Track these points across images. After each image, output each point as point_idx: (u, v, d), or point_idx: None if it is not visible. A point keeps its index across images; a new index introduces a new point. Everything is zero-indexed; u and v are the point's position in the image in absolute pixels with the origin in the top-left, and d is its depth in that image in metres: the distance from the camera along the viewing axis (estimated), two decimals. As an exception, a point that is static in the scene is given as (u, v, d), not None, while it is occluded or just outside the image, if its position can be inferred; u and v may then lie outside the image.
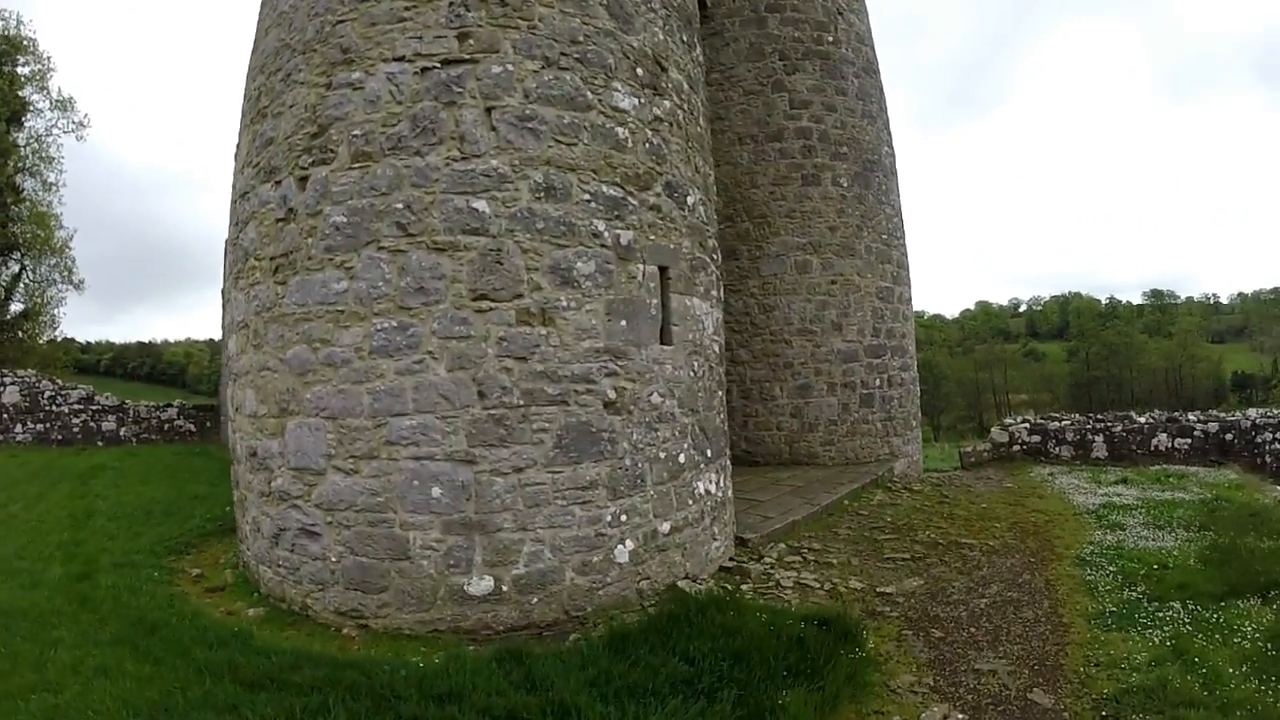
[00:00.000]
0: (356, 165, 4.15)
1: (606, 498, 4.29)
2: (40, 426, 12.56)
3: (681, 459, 4.83)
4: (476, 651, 3.68)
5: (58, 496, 7.55)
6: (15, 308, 20.49)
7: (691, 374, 5.02)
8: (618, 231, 4.48)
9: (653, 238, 4.79)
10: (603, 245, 4.39)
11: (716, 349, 5.53)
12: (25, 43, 20.20)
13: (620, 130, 4.58)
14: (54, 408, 12.69)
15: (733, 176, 9.75)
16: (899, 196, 10.82)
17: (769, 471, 9.09)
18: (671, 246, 4.95)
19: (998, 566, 5.14)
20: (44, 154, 20.67)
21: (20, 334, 20.28)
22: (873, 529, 6.49)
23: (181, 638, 3.62)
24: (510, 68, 4.12)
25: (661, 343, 4.76)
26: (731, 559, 5.45)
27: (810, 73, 9.59)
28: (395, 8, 4.12)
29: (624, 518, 4.36)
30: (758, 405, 9.72)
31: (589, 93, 4.40)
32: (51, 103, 21.01)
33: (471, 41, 4.11)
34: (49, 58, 20.72)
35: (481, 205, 4.11)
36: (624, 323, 4.46)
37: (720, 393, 5.60)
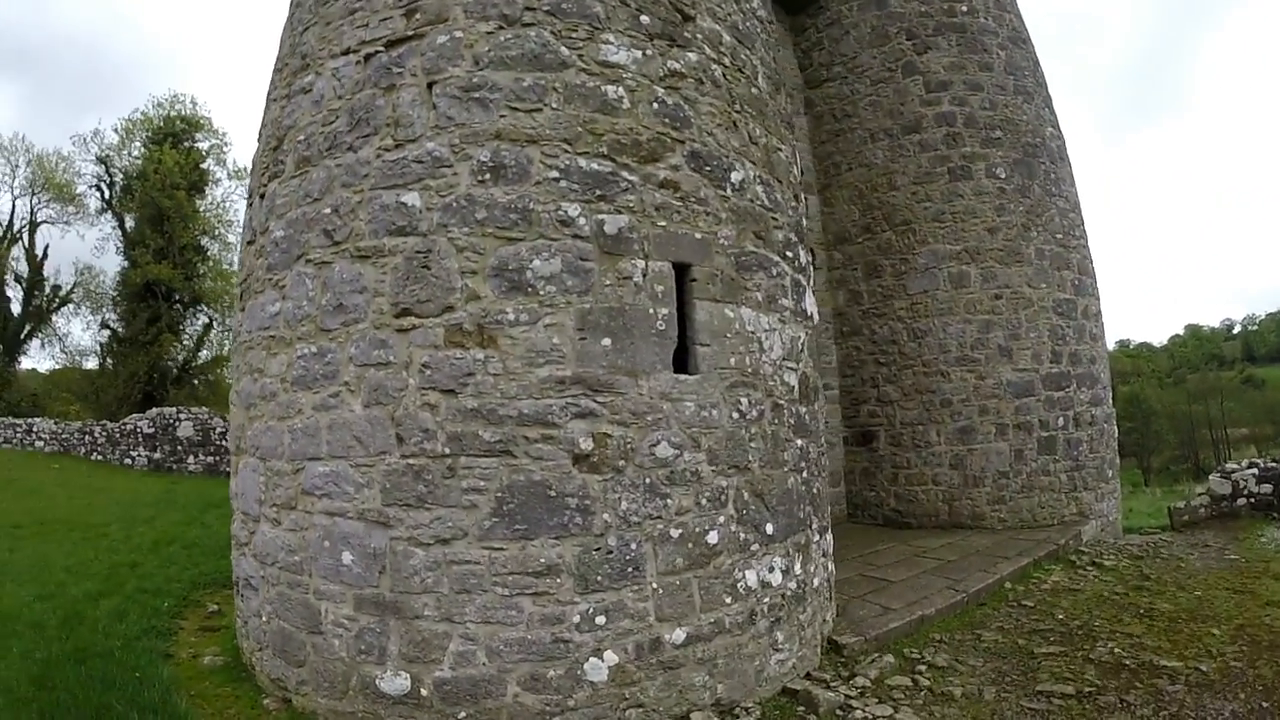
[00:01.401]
0: (297, 173, 3.72)
1: (573, 590, 3.05)
2: (210, 459, 14.64)
3: (713, 539, 3.38)
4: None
5: (163, 522, 8.26)
6: (205, 355, 24.73)
7: (736, 415, 3.56)
8: (601, 217, 3.33)
9: (663, 224, 3.50)
10: (575, 236, 3.28)
11: (790, 382, 3.99)
12: (202, 121, 24.34)
13: (611, 89, 3.45)
14: (223, 443, 14.83)
15: (867, 180, 8.26)
16: (1074, 187, 8.46)
17: (918, 538, 7.04)
18: (698, 236, 3.60)
19: (1214, 716, 3.16)
20: (224, 218, 24.44)
21: (210, 377, 24.51)
22: (1033, 633, 4.37)
23: (107, 674, 3.46)
24: (459, 34, 3.32)
25: (676, 370, 3.44)
26: (807, 675, 3.76)
27: (945, 49, 7.86)
28: (347, 2, 3.68)
29: (601, 619, 3.08)
30: (909, 454, 7.86)
31: (563, 48, 3.37)
32: (229, 173, 25.01)
33: (419, 16, 3.42)
34: (224, 134, 25.87)
35: (412, 198, 3.29)
36: (607, 341, 3.24)
37: (801, 444, 4.02)
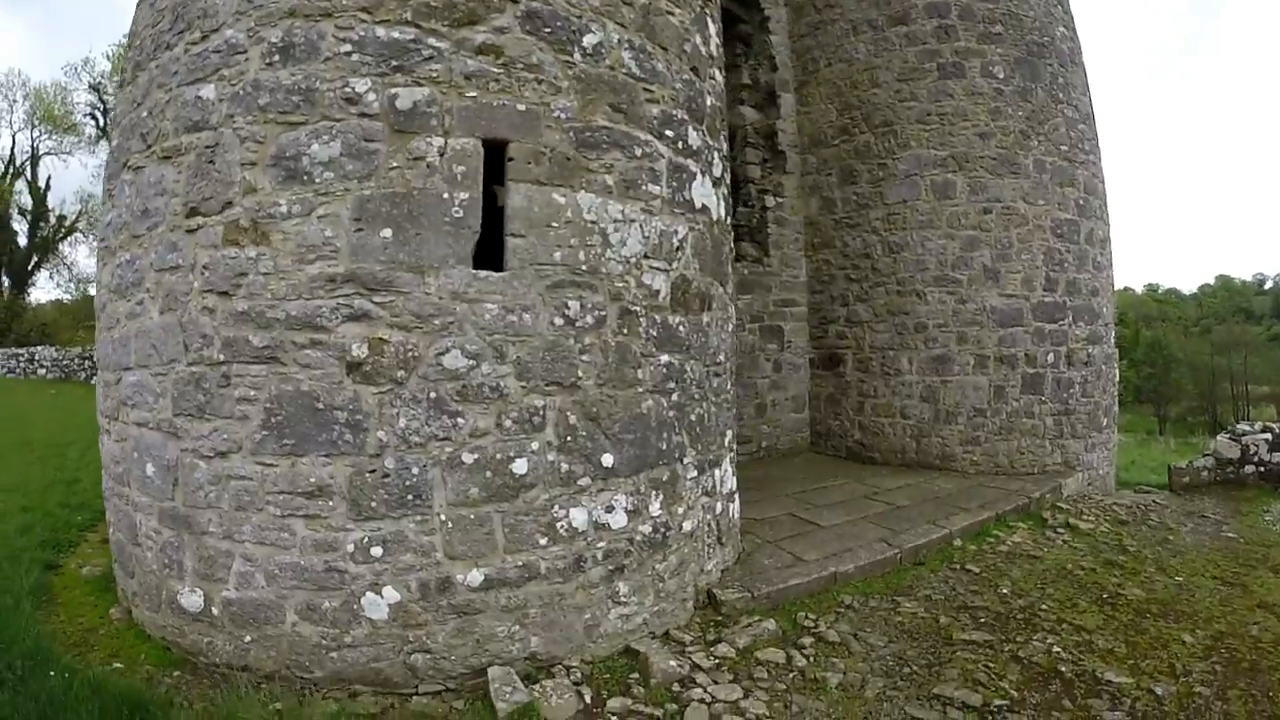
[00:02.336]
0: (130, 80, 3.42)
1: (346, 515, 2.75)
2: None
3: (520, 468, 2.96)
4: (130, 682, 2.74)
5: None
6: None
7: (560, 321, 3.05)
8: (394, 91, 2.78)
9: (473, 95, 2.89)
10: (362, 114, 2.76)
11: (655, 285, 3.40)
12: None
13: None
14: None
15: (846, 76, 7.52)
16: (1086, 95, 7.50)
17: (876, 476, 6.54)
18: (521, 108, 2.97)
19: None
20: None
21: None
22: (962, 609, 3.77)
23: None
24: None
25: (482, 266, 2.93)
26: (666, 634, 3.40)
27: (940, -70, 6.79)
28: None
29: (378, 550, 2.78)
30: (878, 382, 7.30)
31: None
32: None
33: None
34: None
35: (207, 91, 2.91)
36: (388, 232, 2.76)
37: (670, 360, 3.48)
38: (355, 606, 2.81)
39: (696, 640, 3.38)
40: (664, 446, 3.52)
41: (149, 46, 3.35)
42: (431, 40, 2.84)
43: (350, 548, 2.79)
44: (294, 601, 2.81)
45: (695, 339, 3.79)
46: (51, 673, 2.59)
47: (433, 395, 2.83)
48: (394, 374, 2.77)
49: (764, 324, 8.15)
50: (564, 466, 3.11)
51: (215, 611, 2.91)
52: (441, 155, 2.83)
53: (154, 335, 3.05)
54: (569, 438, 3.12)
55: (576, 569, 3.17)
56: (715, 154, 4.09)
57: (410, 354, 2.79)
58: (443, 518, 2.88)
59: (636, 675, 3.06)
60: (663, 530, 3.53)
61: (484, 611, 2.97)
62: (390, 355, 2.76)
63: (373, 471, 2.77)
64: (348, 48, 2.77)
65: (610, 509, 3.27)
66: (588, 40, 3.23)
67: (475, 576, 2.94)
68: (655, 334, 3.46)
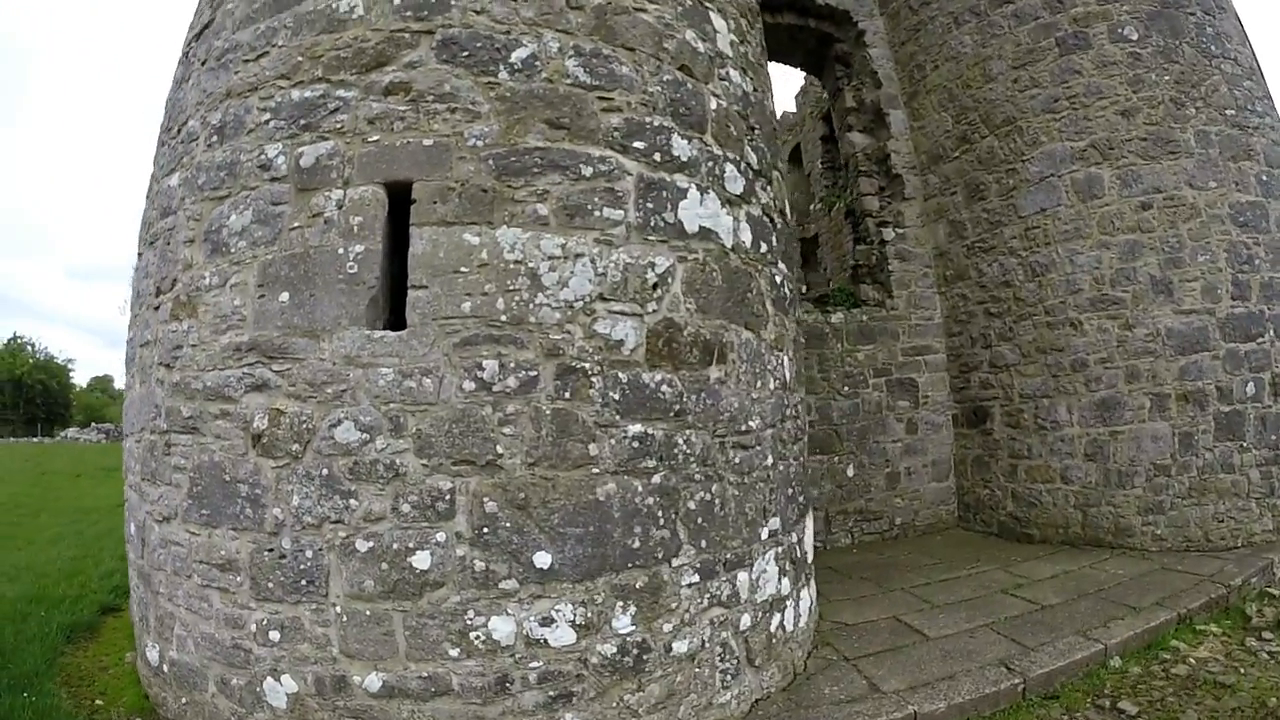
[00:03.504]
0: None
1: (250, 593, 2.58)
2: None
3: (422, 562, 2.49)
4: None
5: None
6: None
7: (471, 386, 2.55)
8: (300, 150, 2.70)
9: (375, 139, 2.65)
10: (272, 179, 2.73)
11: (616, 335, 2.73)
12: None
13: (343, 2, 2.78)
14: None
15: (956, 75, 6.66)
16: (1245, 46, 6.26)
17: (1028, 560, 5.28)
18: (428, 143, 2.65)
19: None
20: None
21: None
22: None
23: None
24: (230, 6, 3.05)
25: (369, 327, 2.58)
26: None
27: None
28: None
29: (275, 635, 2.55)
30: (1031, 439, 6.07)
31: None
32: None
33: (208, 9, 3.26)
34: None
35: (174, 179, 3.15)
36: (285, 296, 2.63)
37: (643, 431, 2.73)
38: (258, 689, 2.58)
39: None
40: (635, 544, 2.71)
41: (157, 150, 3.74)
42: (339, 92, 2.72)
43: (253, 627, 2.60)
44: (213, 672, 2.72)
45: (695, 401, 2.92)
46: (25, 693, 2.96)
47: (325, 472, 2.54)
48: (289, 447, 2.57)
49: (891, 378, 6.81)
50: (479, 564, 2.54)
51: (165, 669, 2.97)
52: (339, 208, 2.64)
53: (134, 405, 3.33)
54: (485, 529, 2.56)
55: (500, 691, 2.52)
56: (730, 166, 3.23)
57: (305, 426, 2.57)
58: (338, 609, 2.52)
59: None
60: (636, 651, 2.68)
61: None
62: (286, 427, 2.58)
63: (270, 550, 2.58)
64: (266, 116, 2.79)
65: (548, 621, 2.58)
66: (517, 55, 2.79)
67: (373, 681, 2.50)
68: (619, 397, 2.73)
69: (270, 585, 2.58)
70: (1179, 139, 5.59)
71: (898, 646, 3.61)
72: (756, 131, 3.60)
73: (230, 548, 2.66)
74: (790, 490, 3.49)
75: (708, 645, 2.89)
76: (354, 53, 2.75)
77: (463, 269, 2.61)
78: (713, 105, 3.28)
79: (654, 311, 2.84)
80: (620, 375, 2.73)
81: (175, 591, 2.89)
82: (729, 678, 2.95)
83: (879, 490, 6.63)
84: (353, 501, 2.53)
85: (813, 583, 3.89)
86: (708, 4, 3.46)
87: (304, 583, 2.55)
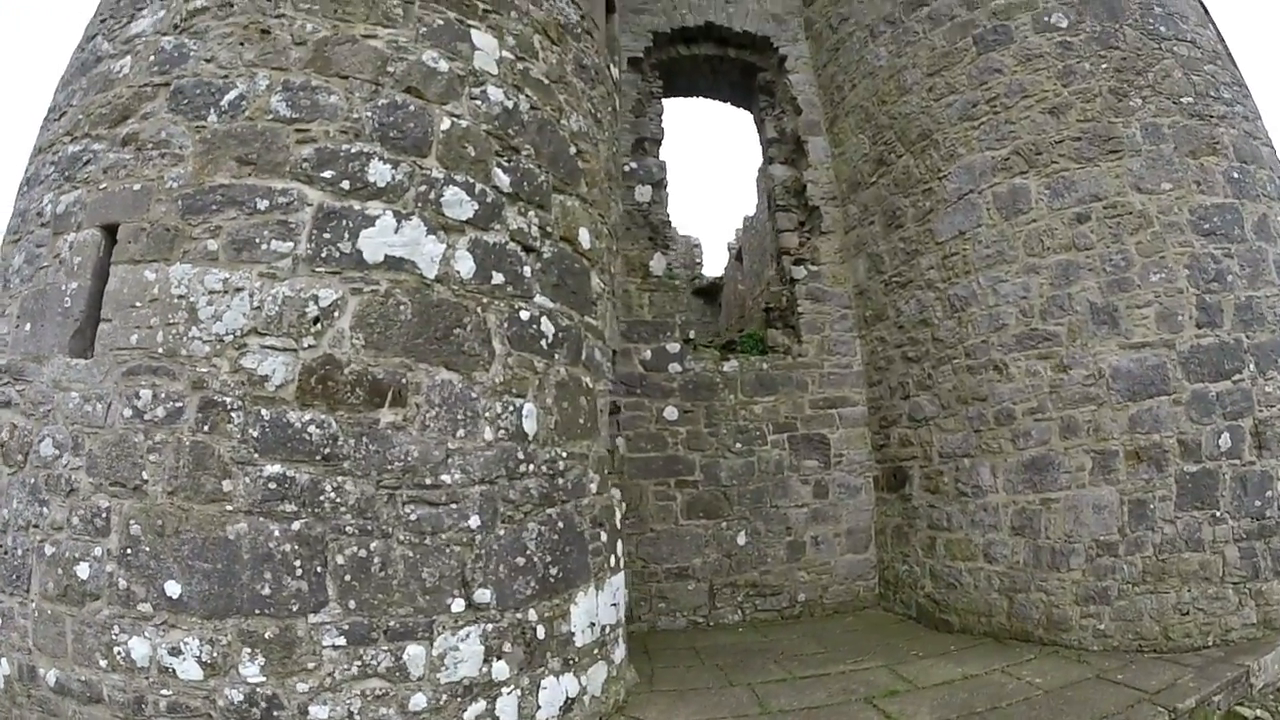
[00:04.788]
0: None
1: None
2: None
3: (84, 572, 3.03)
4: None
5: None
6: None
7: (129, 413, 3.06)
8: (61, 199, 3.50)
9: (104, 186, 3.35)
10: (42, 224, 3.56)
11: (262, 370, 3.04)
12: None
13: (115, 64, 3.58)
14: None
15: (873, 92, 6.73)
16: (1207, 27, 5.97)
17: (926, 660, 4.84)
18: (137, 188, 3.26)
19: None
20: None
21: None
22: None
23: None
24: None
25: (71, 354, 3.26)
26: None
27: None
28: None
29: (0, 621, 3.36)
30: (950, 507, 5.76)
31: (104, 42, 3.70)
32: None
33: None
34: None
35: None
36: (29, 326, 3.41)
37: (281, 472, 2.98)
38: None
39: None
40: (266, 590, 2.97)
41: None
42: (94, 145, 3.51)
43: None
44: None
45: (355, 447, 3.09)
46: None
47: (33, 481, 3.28)
48: (16, 457, 3.37)
49: (796, 434, 6.55)
50: (122, 583, 3.04)
51: None
52: (70, 249, 3.44)
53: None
54: (130, 550, 3.05)
55: (138, 710, 2.95)
56: (455, 189, 3.35)
57: (26, 439, 3.34)
58: (34, 605, 3.20)
59: None
60: (265, 705, 2.92)
61: (59, 716, 3.14)
62: (16, 439, 3.37)
63: (0, 546, 3.47)
64: (50, 169, 3.66)
65: (176, 652, 2.97)
66: (228, 97, 3.31)
67: (51, 676, 3.12)
68: (258, 434, 3.03)
69: None
70: (1121, 135, 5.21)
71: None
72: (523, 153, 3.66)
73: (-12, 540, 3.61)
74: (521, 560, 3.40)
75: (357, 718, 3.03)
76: (111, 109, 3.55)
77: (137, 304, 3.19)
78: (444, 125, 3.45)
79: (311, 347, 3.11)
80: (263, 412, 3.05)
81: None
82: None
83: (778, 562, 6.36)
84: (45, 510, 3.25)
85: (588, 674, 3.68)
86: (470, 22, 3.66)
87: (16, 578, 3.32)
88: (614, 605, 4.09)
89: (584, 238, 4.12)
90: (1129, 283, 5.03)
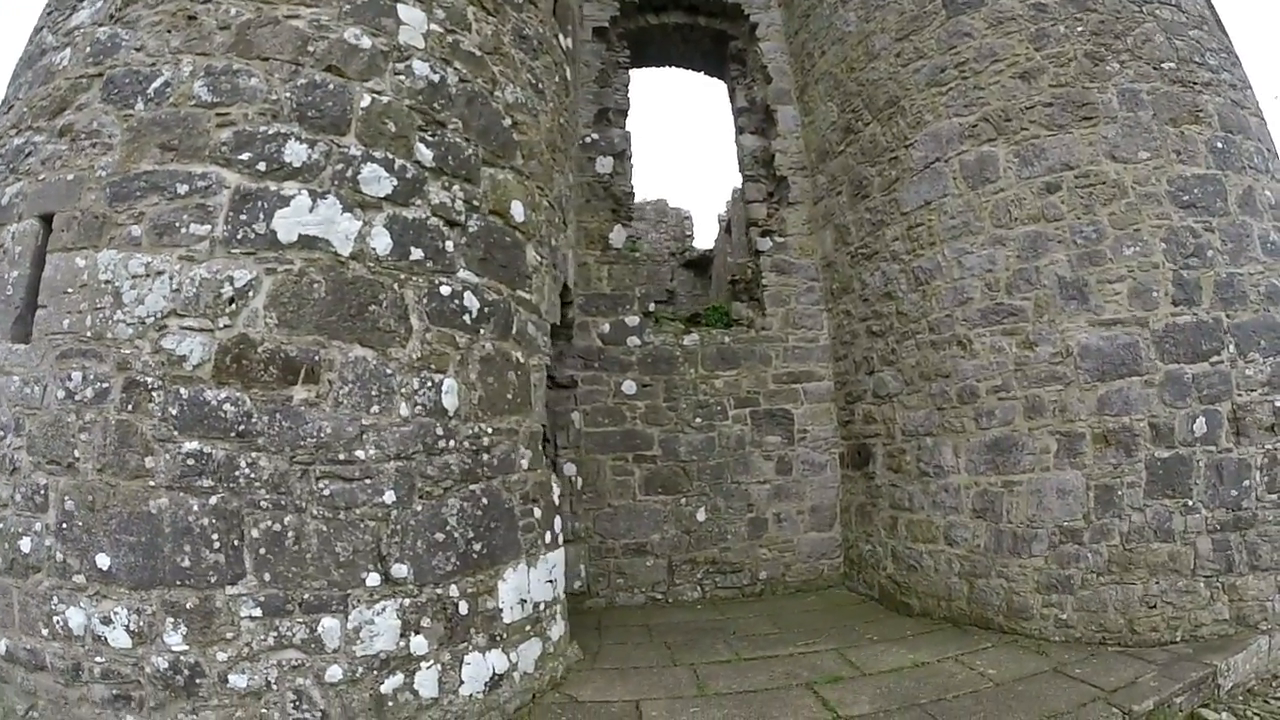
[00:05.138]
0: None
1: None
2: None
3: (26, 546, 3.31)
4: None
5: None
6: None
7: (63, 394, 3.31)
8: (5, 190, 3.77)
9: (43, 177, 3.60)
10: None
11: (182, 350, 3.25)
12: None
13: (54, 56, 3.83)
14: None
15: (842, 59, 6.74)
16: None
17: (881, 644, 4.88)
18: (70, 178, 3.50)
19: None
20: None
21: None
22: None
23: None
24: None
25: (13, 340, 3.52)
26: None
27: None
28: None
29: None
30: (913, 487, 5.79)
31: (49, 35, 4.00)
32: None
33: None
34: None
35: None
36: None
37: (202, 449, 3.19)
38: None
39: None
40: (186, 562, 3.17)
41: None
42: (36, 137, 3.79)
43: None
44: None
45: (268, 423, 3.27)
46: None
47: None
48: None
49: (758, 409, 6.61)
50: (59, 556, 3.29)
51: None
52: (12, 239, 3.72)
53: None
54: (65, 525, 3.30)
55: (75, 677, 3.22)
56: (374, 165, 3.49)
57: None
58: None
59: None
60: (188, 672, 3.14)
61: (10, 682, 3.41)
62: None
63: None
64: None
65: (108, 621, 3.22)
66: (154, 85, 3.53)
67: (1, 645, 3.48)
68: (177, 412, 3.24)
69: (-37, 549, 3.78)
70: (1096, 100, 5.07)
71: None
72: (449, 126, 3.78)
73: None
74: (440, 536, 3.54)
75: (275, 687, 3.21)
76: (51, 101, 3.81)
77: (69, 290, 3.44)
78: (365, 102, 3.60)
79: (227, 327, 3.30)
80: (182, 391, 3.26)
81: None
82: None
83: (738, 539, 6.43)
84: None
85: (519, 650, 3.82)
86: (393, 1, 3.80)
87: None
88: (550, 582, 4.21)
89: (517, 211, 4.23)
90: (1100, 256, 4.91)
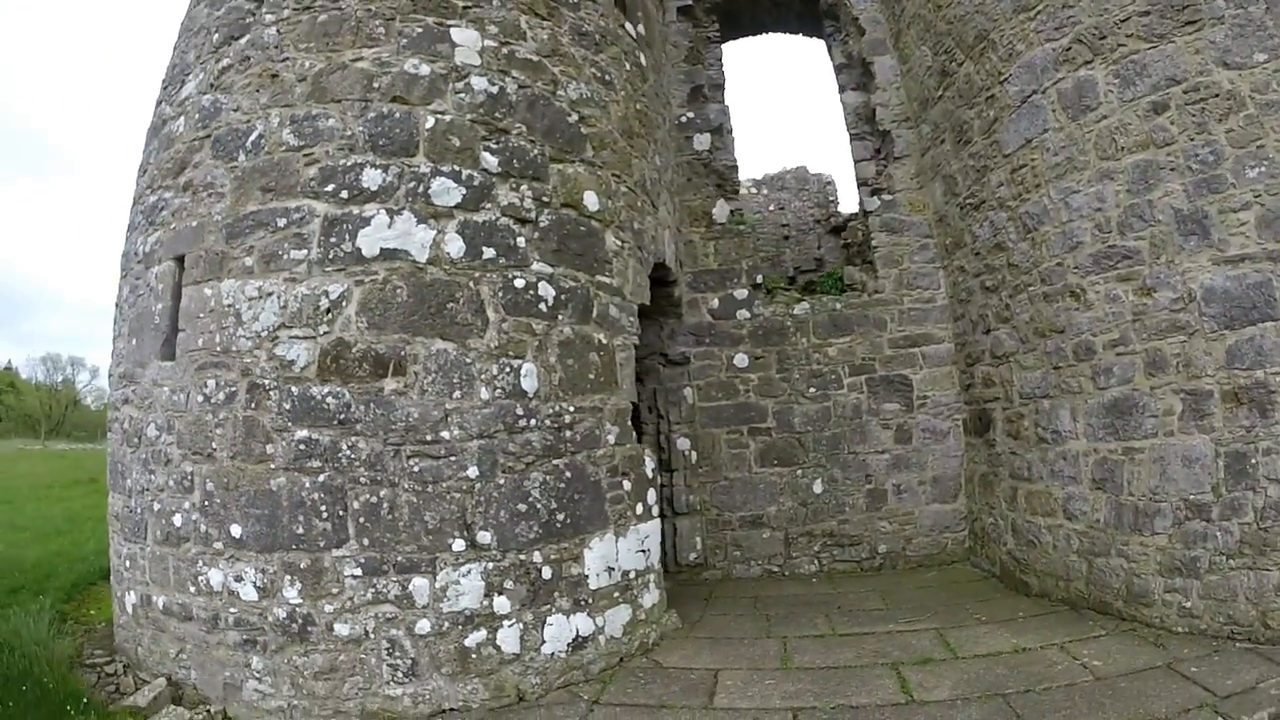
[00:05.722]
0: None
1: (120, 535, 4.80)
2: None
3: (178, 521, 4.29)
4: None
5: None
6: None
7: (201, 399, 4.26)
8: (148, 239, 4.83)
9: (174, 226, 4.63)
10: (138, 261, 4.93)
11: (290, 355, 4.13)
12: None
13: (175, 124, 4.91)
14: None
15: (929, 1, 6.67)
16: None
17: (984, 625, 4.93)
18: (194, 224, 4.50)
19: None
20: None
21: None
22: None
23: None
24: None
25: (162, 359, 4.53)
26: None
27: None
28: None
29: (128, 565, 4.68)
30: (1031, 455, 5.61)
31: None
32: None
33: None
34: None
35: None
36: (134, 341, 4.78)
37: (310, 435, 4.05)
38: (121, 597, 4.84)
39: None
40: (300, 530, 4.02)
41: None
42: (166, 194, 4.75)
43: (118, 559, 4.84)
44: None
45: (364, 411, 4.09)
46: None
47: (144, 457, 4.60)
48: (134, 439, 4.70)
49: (874, 375, 6.62)
50: (202, 527, 4.22)
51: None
52: (156, 278, 4.76)
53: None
54: (207, 502, 4.22)
55: (215, 625, 4.14)
56: (443, 179, 4.29)
57: (137, 426, 4.69)
58: (149, 550, 4.52)
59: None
60: (301, 621, 3.98)
61: (165, 631, 4.38)
62: (132, 426, 4.72)
63: (129, 508, 4.77)
64: (140, 217, 5.00)
65: (240, 579, 4.12)
66: (251, 139, 4.48)
67: (160, 600, 4.41)
68: (290, 407, 4.11)
69: (126, 530, 4.80)
70: (1198, 1, 4.65)
71: (663, 706, 3.94)
72: (513, 132, 4.53)
73: (116, 504, 5.03)
74: (523, 507, 4.24)
75: (372, 636, 3.98)
76: (173, 162, 4.84)
77: (200, 315, 4.42)
78: (429, 124, 4.40)
79: (326, 333, 4.15)
80: (293, 389, 4.12)
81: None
82: (400, 674, 3.96)
83: (856, 511, 6.60)
84: (153, 477, 4.55)
85: (606, 615, 4.50)
86: (450, 22, 4.58)
87: (138, 529, 4.65)
88: (641, 552, 4.82)
89: (590, 201, 4.91)
90: (1220, 181, 4.53)
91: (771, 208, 12.78)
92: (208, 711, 4.15)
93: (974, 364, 6.40)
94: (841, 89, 7.84)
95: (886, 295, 7.00)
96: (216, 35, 4.89)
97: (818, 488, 6.75)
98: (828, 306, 7.02)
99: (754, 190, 13.00)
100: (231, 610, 4.12)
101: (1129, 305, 4.86)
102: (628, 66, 5.71)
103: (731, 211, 7.52)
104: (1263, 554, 4.20)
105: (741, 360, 7.04)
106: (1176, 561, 4.51)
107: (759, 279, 7.40)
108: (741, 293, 7.27)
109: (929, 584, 6.06)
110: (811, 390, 6.88)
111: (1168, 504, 4.58)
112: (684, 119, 7.69)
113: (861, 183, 7.42)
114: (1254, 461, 4.28)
